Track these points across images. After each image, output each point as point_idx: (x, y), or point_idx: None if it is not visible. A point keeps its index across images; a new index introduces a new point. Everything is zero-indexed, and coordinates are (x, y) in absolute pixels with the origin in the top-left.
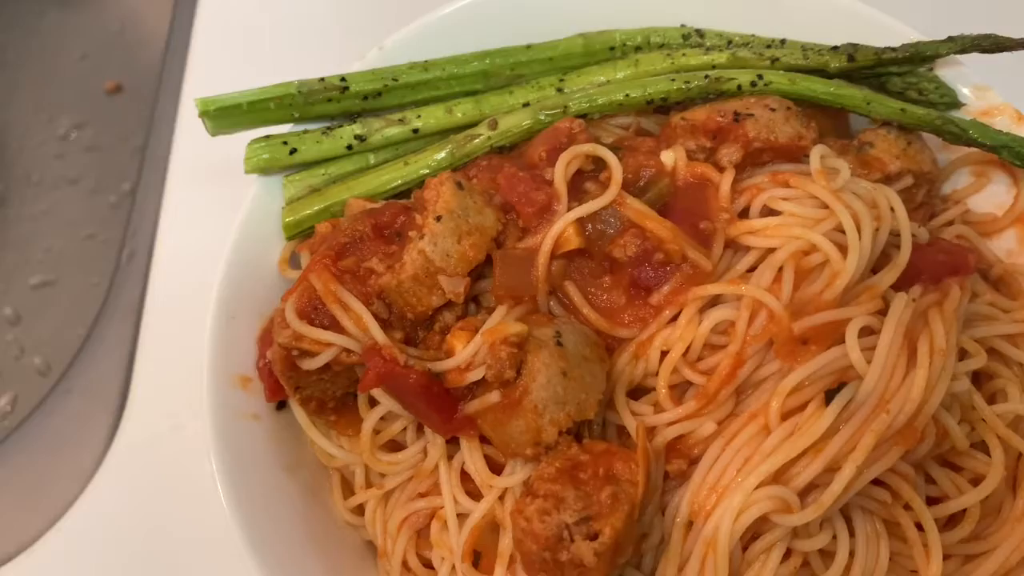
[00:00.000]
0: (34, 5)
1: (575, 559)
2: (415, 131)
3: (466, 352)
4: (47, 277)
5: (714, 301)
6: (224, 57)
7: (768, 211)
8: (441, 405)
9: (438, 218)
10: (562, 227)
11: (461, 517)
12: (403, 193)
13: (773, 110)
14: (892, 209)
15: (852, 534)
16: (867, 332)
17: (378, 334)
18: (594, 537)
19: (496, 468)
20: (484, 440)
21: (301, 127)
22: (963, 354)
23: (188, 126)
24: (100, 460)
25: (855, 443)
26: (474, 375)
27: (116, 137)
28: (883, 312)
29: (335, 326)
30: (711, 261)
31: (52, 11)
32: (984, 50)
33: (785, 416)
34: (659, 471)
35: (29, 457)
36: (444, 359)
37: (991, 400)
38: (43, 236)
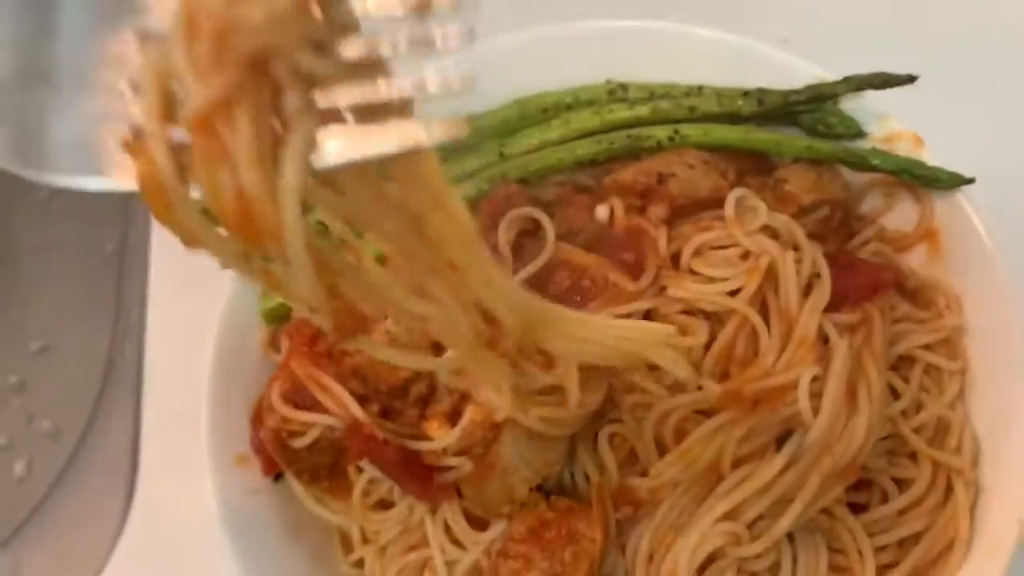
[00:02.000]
0: None
1: None
2: None
3: (446, 440)
4: (47, 342)
5: None
6: None
7: (697, 252)
8: (419, 475)
9: None
10: None
11: (451, 564)
12: None
13: (692, 167)
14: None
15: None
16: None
17: (357, 411)
18: None
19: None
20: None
21: None
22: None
23: None
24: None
25: (803, 483)
26: (452, 462)
27: (97, 199)
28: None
29: (318, 407)
30: (637, 287)
31: None
32: (876, 87)
33: (736, 464)
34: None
35: (52, 532)
36: (421, 438)
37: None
38: (37, 302)
